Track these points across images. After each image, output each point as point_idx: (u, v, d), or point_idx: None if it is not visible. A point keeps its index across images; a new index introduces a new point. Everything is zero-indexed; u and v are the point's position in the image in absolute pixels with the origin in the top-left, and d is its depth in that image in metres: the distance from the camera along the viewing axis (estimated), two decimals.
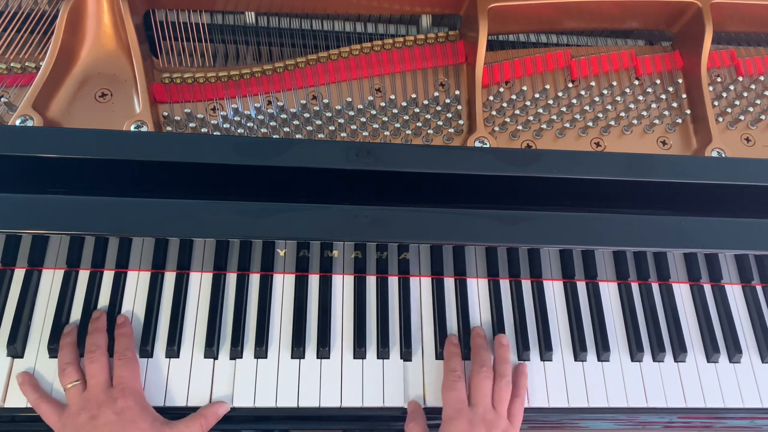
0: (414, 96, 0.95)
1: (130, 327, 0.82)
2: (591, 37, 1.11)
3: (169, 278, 0.87)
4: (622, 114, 0.98)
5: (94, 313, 0.83)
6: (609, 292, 0.94)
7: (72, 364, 0.78)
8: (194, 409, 0.79)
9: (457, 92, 0.95)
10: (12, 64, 0.91)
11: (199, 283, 0.88)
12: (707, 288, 0.96)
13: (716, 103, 1.03)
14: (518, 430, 0.79)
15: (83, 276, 0.87)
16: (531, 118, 0.97)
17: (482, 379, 0.79)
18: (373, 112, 0.94)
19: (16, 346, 0.80)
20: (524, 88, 0.98)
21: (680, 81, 1.04)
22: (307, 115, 0.92)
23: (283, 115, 0.91)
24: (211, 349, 0.83)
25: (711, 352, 0.90)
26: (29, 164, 0.76)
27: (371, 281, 0.90)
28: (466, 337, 0.87)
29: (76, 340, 0.81)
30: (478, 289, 0.91)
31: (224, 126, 0.90)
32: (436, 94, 0.95)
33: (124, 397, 0.74)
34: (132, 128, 0.85)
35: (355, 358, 0.85)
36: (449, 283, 0.91)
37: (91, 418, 0.72)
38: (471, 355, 0.84)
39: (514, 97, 0.98)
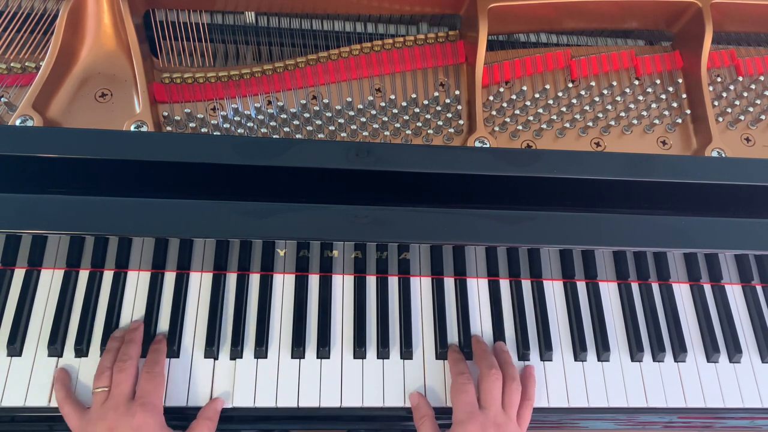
0: (414, 96, 0.95)
1: (164, 345, 0.82)
2: (591, 37, 1.11)
3: (169, 278, 0.87)
4: (622, 114, 0.98)
5: (132, 324, 0.83)
6: (609, 292, 0.93)
7: (109, 369, 0.77)
8: (194, 408, 0.79)
9: (457, 92, 0.95)
10: (12, 64, 0.91)
11: (199, 283, 0.88)
12: (707, 288, 0.96)
13: (716, 103, 1.03)
14: None
15: (83, 276, 0.87)
16: (531, 118, 0.97)
17: (492, 382, 0.79)
18: (373, 112, 0.94)
19: (16, 345, 0.80)
20: (524, 88, 0.98)
21: (680, 81, 1.04)
22: (307, 115, 0.92)
23: (283, 115, 0.91)
24: (212, 349, 0.83)
25: (711, 352, 0.90)
26: (29, 164, 0.76)
27: (371, 281, 0.90)
28: (466, 337, 0.87)
29: (120, 346, 0.80)
30: (478, 289, 0.91)
31: (224, 126, 0.90)
32: (436, 94, 0.95)
33: (144, 412, 0.72)
34: (132, 128, 0.85)
35: (355, 358, 0.85)
36: (449, 283, 0.91)
37: (107, 430, 0.71)
38: (476, 359, 0.84)
39: (514, 97, 0.98)
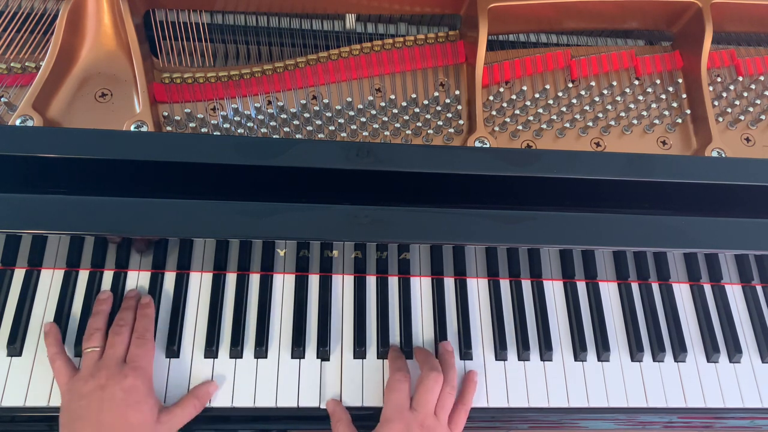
0: (414, 96, 0.95)
1: (153, 309, 0.83)
2: (591, 37, 1.11)
3: (169, 278, 0.87)
4: (622, 114, 0.98)
5: (128, 291, 0.85)
6: (609, 292, 0.93)
7: (100, 330, 0.79)
8: None
9: (457, 92, 0.95)
10: (12, 64, 0.91)
11: (199, 283, 0.88)
12: (707, 288, 0.96)
13: (716, 103, 1.03)
14: None
15: (83, 276, 0.87)
16: (531, 118, 0.97)
17: (432, 384, 0.77)
18: (373, 112, 0.94)
19: (16, 345, 0.80)
20: (524, 88, 0.98)
21: (680, 81, 1.04)
22: (307, 115, 0.92)
23: (283, 115, 0.91)
24: (211, 349, 0.83)
25: (711, 352, 0.90)
26: (29, 164, 0.76)
27: (371, 281, 0.90)
28: (466, 336, 0.87)
29: (109, 310, 0.82)
30: (478, 289, 0.91)
31: (224, 126, 0.90)
32: (436, 94, 0.95)
33: (135, 376, 0.74)
34: (132, 128, 0.85)
35: (355, 358, 0.85)
36: (449, 283, 0.91)
37: (98, 388, 0.72)
38: (419, 362, 0.81)
39: (514, 97, 0.98)
